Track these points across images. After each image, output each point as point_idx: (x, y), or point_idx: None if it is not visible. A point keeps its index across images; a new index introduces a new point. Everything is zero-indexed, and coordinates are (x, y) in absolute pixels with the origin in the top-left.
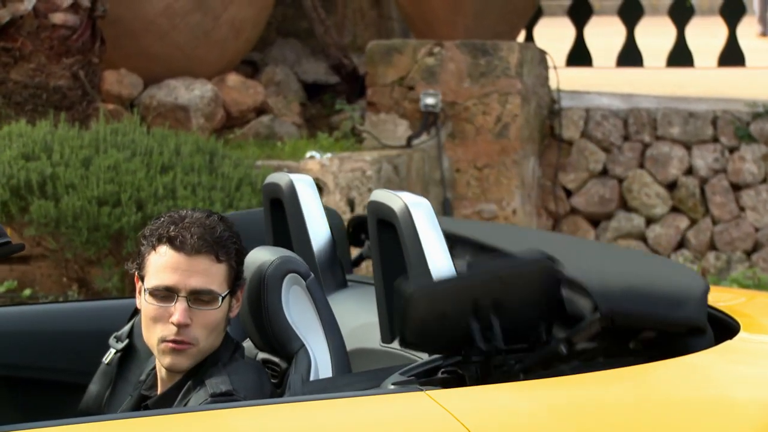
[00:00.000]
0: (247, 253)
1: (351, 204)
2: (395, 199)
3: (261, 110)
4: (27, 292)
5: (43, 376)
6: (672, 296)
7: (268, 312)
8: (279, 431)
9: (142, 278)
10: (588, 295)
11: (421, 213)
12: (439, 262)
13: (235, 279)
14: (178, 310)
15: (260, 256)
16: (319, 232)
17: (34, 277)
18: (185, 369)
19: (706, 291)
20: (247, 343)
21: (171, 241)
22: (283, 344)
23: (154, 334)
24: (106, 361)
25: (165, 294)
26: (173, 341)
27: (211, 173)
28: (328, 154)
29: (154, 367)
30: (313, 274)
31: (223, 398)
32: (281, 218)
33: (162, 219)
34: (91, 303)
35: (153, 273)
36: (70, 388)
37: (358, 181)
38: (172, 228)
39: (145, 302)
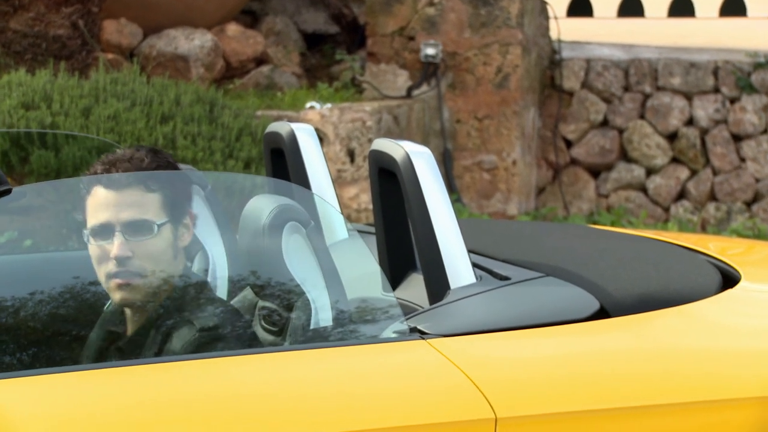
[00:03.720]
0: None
1: (351, 154)
2: (397, 148)
3: (261, 60)
4: (28, 242)
5: (46, 324)
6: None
7: (269, 260)
8: (279, 379)
9: (83, 223)
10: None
11: (423, 162)
12: (441, 210)
13: (173, 207)
14: (115, 244)
15: (260, 205)
16: (319, 181)
17: (35, 228)
18: (139, 304)
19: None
20: (247, 291)
21: (100, 180)
22: (284, 292)
23: (101, 273)
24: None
25: (102, 231)
26: (117, 275)
27: (211, 123)
28: (328, 105)
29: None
30: (313, 223)
31: (211, 332)
32: (282, 167)
33: (95, 164)
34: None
35: (90, 214)
36: (73, 337)
37: (358, 131)
38: (100, 168)
39: (89, 246)
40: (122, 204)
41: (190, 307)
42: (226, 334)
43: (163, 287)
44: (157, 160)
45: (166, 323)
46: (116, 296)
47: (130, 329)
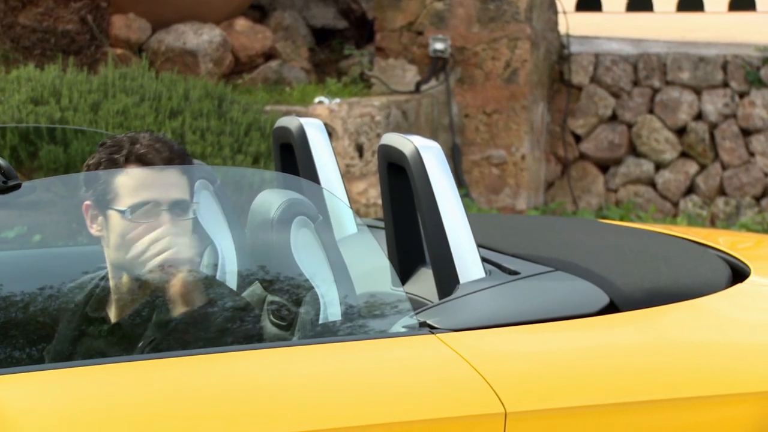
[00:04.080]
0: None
1: (360, 149)
2: (405, 143)
3: (269, 55)
4: (37, 237)
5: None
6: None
7: (277, 255)
8: (288, 374)
9: (106, 204)
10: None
11: (432, 156)
12: (450, 205)
13: (193, 191)
14: (164, 221)
15: (269, 199)
16: (328, 175)
17: (44, 222)
18: (173, 281)
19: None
20: (256, 286)
21: (141, 159)
22: (293, 287)
23: (136, 250)
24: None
25: (147, 210)
26: (162, 252)
27: (220, 118)
28: (337, 100)
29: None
30: (322, 217)
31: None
32: (291, 162)
33: (111, 145)
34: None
35: (129, 192)
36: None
37: (367, 126)
38: (136, 147)
39: (123, 222)
40: (167, 184)
41: (206, 297)
42: (237, 327)
43: (196, 265)
44: (180, 145)
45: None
46: (156, 274)
47: (120, 311)
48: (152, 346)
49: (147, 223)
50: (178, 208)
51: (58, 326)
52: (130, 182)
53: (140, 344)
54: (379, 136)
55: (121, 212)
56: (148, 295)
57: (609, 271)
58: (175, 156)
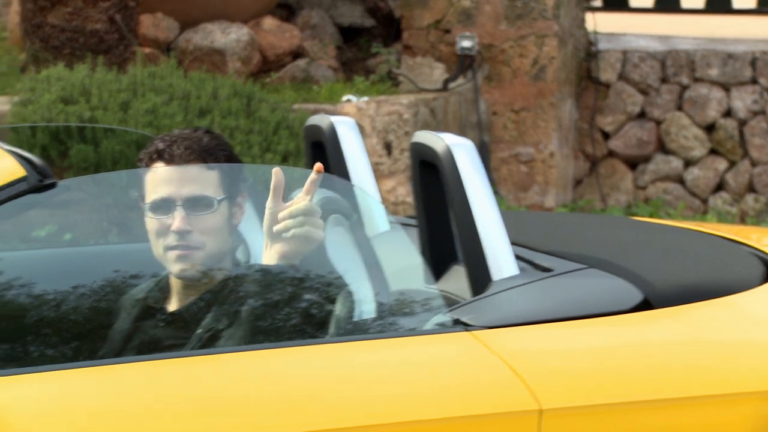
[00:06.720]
0: (239, 162)
1: (388, 147)
2: (437, 141)
3: (297, 54)
4: (68, 236)
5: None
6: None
7: (311, 252)
8: (322, 371)
9: (141, 200)
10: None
11: (464, 154)
12: (482, 202)
13: (229, 185)
14: (176, 218)
15: None
16: (360, 173)
17: (74, 221)
18: (196, 276)
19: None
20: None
21: (161, 156)
22: (326, 285)
23: (159, 246)
24: (130, 295)
25: (163, 206)
26: (176, 247)
27: (249, 117)
28: (365, 98)
29: (161, 281)
30: (356, 215)
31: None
32: (322, 160)
33: (153, 141)
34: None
35: (150, 189)
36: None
37: (395, 124)
38: (160, 144)
39: (147, 219)
40: (183, 180)
41: (248, 290)
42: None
43: (219, 262)
44: (215, 139)
45: (222, 304)
46: (175, 268)
47: (177, 304)
48: (211, 335)
49: (163, 219)
50: (194, 203)
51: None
52: (152, 178)
53: (198, 332)
54: (407, 134)
55: (145, 208)
56: (202, 289)
57: (642, 268)
58: (201, 152)
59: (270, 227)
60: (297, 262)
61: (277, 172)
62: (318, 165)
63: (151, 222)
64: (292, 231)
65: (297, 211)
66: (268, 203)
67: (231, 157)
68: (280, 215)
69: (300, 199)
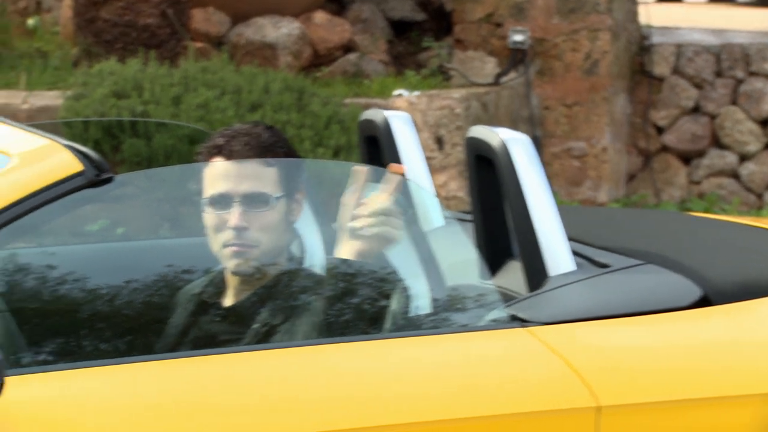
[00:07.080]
0: (299, 158)
1: (440, 141)
2: (493, 135)
3: (348, 48)
4: (120, 230)
5: (142, 311)
6: None
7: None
8: (380, 367)
9: (200, 195)
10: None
11: (520, 148)
12: (539, 197)
13: (287, 182)
14: (234, 214)
15: None
16: (415, 168)
17: (127, 216)
18: (251, 272)
19: None
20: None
21: (220, 151)
22: (381, 280)
23: (217, 242)
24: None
25: (221, 201)
26: (233, 243)
27: (300, 111)
28: (416, 92)
29: (216, 276)
30: (411, 210)
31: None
32: (377, 155)
33: (213, 136)
34: (187, 239)
35: (208, 184)
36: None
37: (447, 118)
38: (220, 140)
39: (205, 214)
40: (242, 176)
41: (304, 288)
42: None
43: (275, 259)
44: (275, 135)
45: (278, 300)
46: (231, 263)
47: (232, 299)
48: (267, 330)
49: (221, 215)
50: (252, 200)
51: (172, 315)
52: (211, 173)
53: (254, 326)
54: (459, 128)
55: (203, 203)
56: (256, 285)
57: (701, 263)
58: (260, 148)
59: (347, 223)
60: (371, 260)
61: (360, 170)
62: (397, 166)
63: (209, 217)
64: (372, 230)
65: (379, 210)
66: (345, 199)
67: (290, 154)
68: (360, 212)
69: (381, 198)
